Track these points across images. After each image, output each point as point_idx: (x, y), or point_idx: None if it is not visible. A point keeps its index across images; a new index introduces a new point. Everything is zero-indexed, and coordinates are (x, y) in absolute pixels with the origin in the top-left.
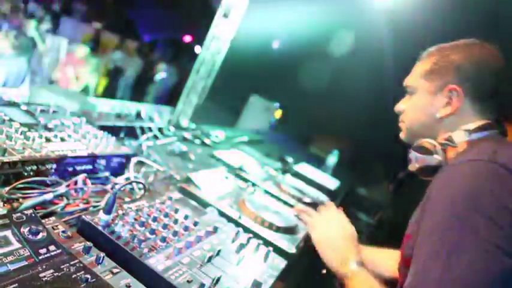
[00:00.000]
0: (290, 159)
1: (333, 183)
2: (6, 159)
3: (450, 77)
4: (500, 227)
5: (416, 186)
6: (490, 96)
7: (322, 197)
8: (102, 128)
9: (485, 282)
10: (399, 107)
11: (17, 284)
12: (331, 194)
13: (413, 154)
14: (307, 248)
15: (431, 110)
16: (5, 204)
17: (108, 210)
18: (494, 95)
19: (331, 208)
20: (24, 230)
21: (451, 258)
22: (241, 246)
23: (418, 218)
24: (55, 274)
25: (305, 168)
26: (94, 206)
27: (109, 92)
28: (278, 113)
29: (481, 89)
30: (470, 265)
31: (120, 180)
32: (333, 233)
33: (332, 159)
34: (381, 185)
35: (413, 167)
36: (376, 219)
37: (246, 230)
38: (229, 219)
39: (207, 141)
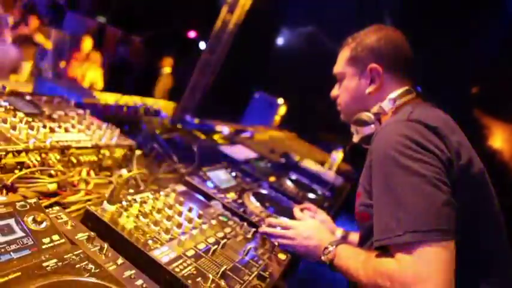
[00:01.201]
0: (294, 156)
1: (337, 180)
2: (10, 148)
3: (368, 58)
4: (428, 163)
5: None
6: (403, 65)
7: (326, 192)
8: (107, 120)
9: (433, 206)
10: (333, 93)
11: (20, 273)
12: (336, 190)
13: (353, 128)
14: None
15: (360, 89)
16: (9, 193)
17: (112, 201)
18: (406, 63)
19: (300, 218)
20: (28, 219)
21: (400, 199)
22: (246, 240)
23: (365, 175)
24: (58, 264)
25: (309, 165)
26: (98, 197)
27: (113, 86)
28: (282, 109)
29: (395, 61)
30: (417, 198)
31: (124, 172)
32: (306, 235)
33: (336, 155)
34: None
35: (355, 138)
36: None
37: (251, 224)
38: (234, 213)
39: (211, 135)
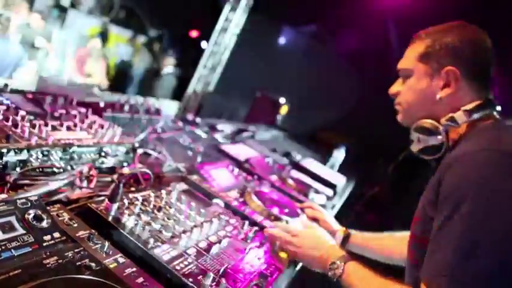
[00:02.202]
0: (296, 154)
1: (339, 179)
2: (12, 146)
3: (446, 58)
4: None
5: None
6: (484, 75)
7: (328, 192)
8: (109, 118)
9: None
10: (393, 89)
11: (20, 270)
12: (338, 190)
13: (415, 135)
14: None
15: (430, 92)
16: (11, 191)
17: (113, 199)
18: (488, 73)
19: (306, 226)
20: (29, 216)
21: (469, 254)
22: (248, 238)
23: (430, 201)
24: (59, 261)
25: (311, 164)
26: (99, 195)
27: (116, 86)
28: (284, 109)
29: (476, 69)
30: (488, 264)
31: (126, 170)
32: (312, 245)
33: (339, 155)
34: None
35: (415, 147)
36: (368, 194)
37: (252, 222)
38: (236, 212)
39: (213, 134)
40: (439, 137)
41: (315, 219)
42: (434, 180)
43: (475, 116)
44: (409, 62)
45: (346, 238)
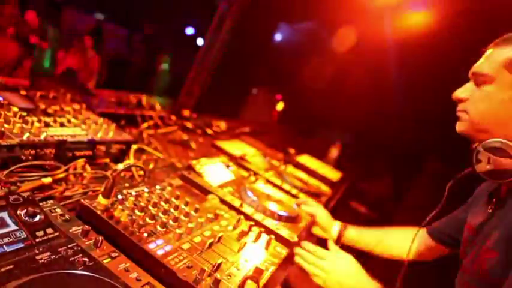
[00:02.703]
0: (292, 151)
1: (335, 175)
2: (4, 142)
3: None
4: None
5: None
6: None
7: (324, 187)
8: (103, 114)
9: None
10: (460, 94)
11: (13, 266)
12: (333, 186)
13: (484, 154)
14: (309, 237)
15: (510, 106)
16: (3, 187)
17: (107, 195)
18: None
19: (335, 250)
20: (21, 212)
21: None
22: (243, 233)
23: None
24: (52, 257)
25: (307, 160)
26: (93, 191)
27: (111, 82)
28: (280, 105)
29: None
30: None
31: (120, 166)
32: (348, 282)
33: (334, 151)
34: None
35: (482, 168)
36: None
37: (248, 218)
38: (231, 207)
39: (208, 131)
40: None
41: (310, 215)
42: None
43: None
44: (491, 68)
45: (342, 232)
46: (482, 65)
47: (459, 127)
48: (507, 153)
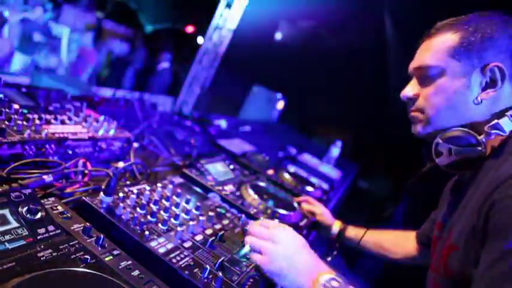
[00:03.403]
0: (293, 149)
1: (335, 174)
2: (5, 139)
3: (489, 53)
4: None
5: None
6: None
7: (325, 186)
8: (104, 112)
9: None
10: (409, 92)
11: (14, 263)
12: (334, 184)
13: (444, 146)
14: (309, 236)
15: (468, 94)
16: (4, 185)
17: (108, 192)
18: None
19: (273, 224)
20: (23, 209)
21: None
22: (244, 231)
23: (474, 227)
24: (53, 254)
25: (307, 158)
26: (94, 189)
27: (111, 81)
28: (281, 104)
29: None
30: None
31: (121, 164)
32: (290, 254)
33: (335, 150)
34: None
35: (445, 160)
36: (386, 214)
37: (249, 216)
38: (232, 205)
39: (209, 129)
40: (479, 148)
41: (311, 213)
42: (478, 202)
43: None
44: (436, 58)
45: (342, 231)
46: (425, 58)
47: (417, 129)
48: (467, 141)
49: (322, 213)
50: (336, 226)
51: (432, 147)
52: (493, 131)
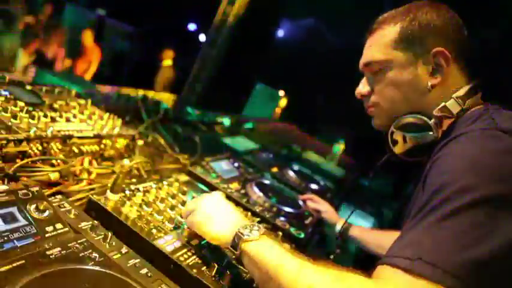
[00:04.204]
0: (296, 147)
1: (338, 172)
2: (11, 137)
3: (430, 39)
4: None
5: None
6: (469, 54)
7: (328, 184)
8: (108, 110)
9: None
10: (362, 90)
11: (24, 261)
12: (337, 182)
13: (399, 134)
14: (316, 234)
15: (417, 82)
16: (11, 182)
17: (115, 190)
18: (471, 52)
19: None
20: (30, 207)
21: (450, 225)
22: None
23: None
24: (62, 252)
25: (311, 156)
26: (101, 187)
27: (114, 79)
28: (283, 101)
29: (461, 47)
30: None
31: (127, 162)
32: (214, 210)
33: (338, 148)
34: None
35: (401, 148)
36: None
37: (254, 214)
38: (237, 203)
39: (212, 127)
40: (431, 132)
41: (316, 211)
42: (423, 177)
43: (468, 103)
44: (380, 53)
45: (346, 230)
46: (371, 54)
47: (375, 122)
48: (419, 127)
49: (327, 211)
50: (340, 224)
51: (388, 137)
52: (440, 114)
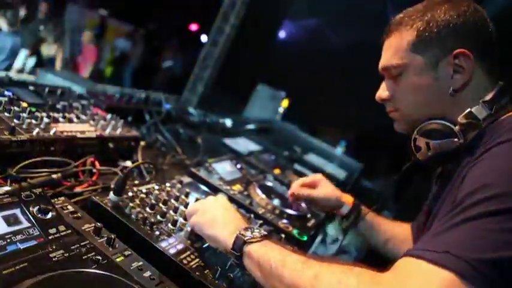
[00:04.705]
0: (298, 149)
1: (340, 173)
2: (14, 138)
3: (450, 40)
4: None
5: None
6: (494, 53)
7: None
8: (110, 111)
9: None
10: (382, 94)
11: (27, 264)
12: (339, 184)
13: (422, 141)
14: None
15: (438, 86)
16: (13, 183)
17: (118, 192)
18: (496, 51)
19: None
20: (33, 209)
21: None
22: None
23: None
24: (65, 254)
25: (313, 158)
26: (103, 188)
27: (115, 79)
28: (285, 102)
29: (484, 46)
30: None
31: (129, 163)
32: (217, 212)
33: (339, 149)
34: (387, 177)
35: (423, 155)
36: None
37: (257, 216)
38: (240, 205)
39: (214, 128)
40: (456, 139)
41: (311, 203)
42: (455, 192)
43: (497, 106)
44: (398, 57)
45: (357, 209)
46: (389, 58)
47: (397, 127)
48: (443, 134)
49: (323, 192)
50: (347, 201)
51: (411, 143)
52: (466, 121)
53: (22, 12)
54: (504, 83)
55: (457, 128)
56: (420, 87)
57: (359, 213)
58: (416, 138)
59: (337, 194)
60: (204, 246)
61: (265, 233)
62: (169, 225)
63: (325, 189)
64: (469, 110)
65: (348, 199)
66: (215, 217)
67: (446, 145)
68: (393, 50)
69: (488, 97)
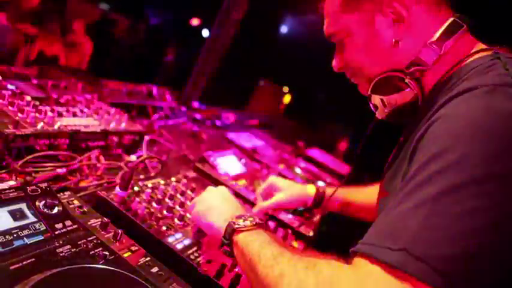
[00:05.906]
0: (301, 144)
1: (344, 168)
2: (18, 132)
3: None
4: None
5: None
6: None
7: (334, 181)
8: (114, 105)
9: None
10: (338, 64)
11: (34, 259)
12: (343, 179)
13: (376, 98)
14: (324, 231)
15: (381, 40)
16: (18, 178)
17: (124, 186)
18: None
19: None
20: (40, 203)
21: (448, 207)
22: None
23: (403, 168)
24: (72, 250)
25: (316, 153)
26: (108, 182)
27: (119, 73)
28: (288, 97)
29: None
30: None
31: (134, 157)
32: (215, 202)
33: (343, 144)
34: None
35: (382, 113)
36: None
37: None
38: (246, 200)
39: (217, 123)
40: (408, 90)
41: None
42: (410, 146)
43: (448, 44)
44: (335, 22)
45: (320, 195)
46: (327, 26)
47: (360, 90)
48: (396, 86)
49: (282, 193)
50: (311, 190)
51: (369, 102)
52: (413, 68)
53: None
54: (459, 15)
55: (407, 79)
56: (364, 47)
57: (322, 199)
58: (370, 95)
59: (297, 188)
60: None
61: (259, 221)
62: (176, 220)
63: (286, 191)
64: (415, 56)
65: (311, 189)
66: (212, 206)
67: (403, 97)
68: (328, 17)
69: (436, 36)
